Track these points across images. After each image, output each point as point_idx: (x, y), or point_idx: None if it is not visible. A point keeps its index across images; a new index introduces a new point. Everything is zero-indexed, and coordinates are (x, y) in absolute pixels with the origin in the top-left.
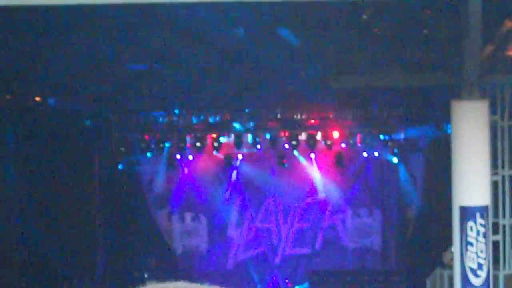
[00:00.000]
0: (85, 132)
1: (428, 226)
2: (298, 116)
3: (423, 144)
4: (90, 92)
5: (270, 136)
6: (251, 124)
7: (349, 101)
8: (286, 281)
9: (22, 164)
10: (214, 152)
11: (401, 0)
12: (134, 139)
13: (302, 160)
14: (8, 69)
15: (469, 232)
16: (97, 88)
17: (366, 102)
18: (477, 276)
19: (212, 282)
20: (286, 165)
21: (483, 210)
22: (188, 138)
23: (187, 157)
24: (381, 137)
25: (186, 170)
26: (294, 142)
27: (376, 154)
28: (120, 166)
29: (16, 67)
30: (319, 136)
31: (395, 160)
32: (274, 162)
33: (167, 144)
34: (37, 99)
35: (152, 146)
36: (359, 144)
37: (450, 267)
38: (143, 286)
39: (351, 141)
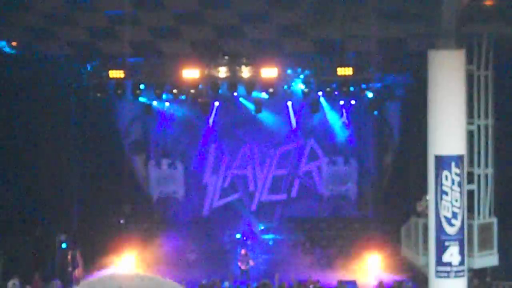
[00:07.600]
0: (61, 77)
1: (404, 175)
2: (275, 64)
3: (400, 93)
4: (67, 38)
5: (247, 83)
6: (228, 71)
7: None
8: (262, 227)
9: None
10: (191, 99)
11: None
12: (111, 85)
13: (279, 108)
14: None
15: (444, 181)
16: (74, 34)
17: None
18: (451, 225)
19: (187, 228)
20: (260, 113)
21: (458, 159)
22: (165, 84)
23: (164, 104)
24: (358, 85)
25: (163, 117)
26: (270, 90)
27: (352, 102)
28: (96, 112)
29: None
30: (295, 84)
31: (371, 108)
32: (250, 109)
33: (144, 90)
34: (14, 44)
35: (129, 92)
36: (336, 92)
37: (425, 215)
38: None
39: (328, 89)
